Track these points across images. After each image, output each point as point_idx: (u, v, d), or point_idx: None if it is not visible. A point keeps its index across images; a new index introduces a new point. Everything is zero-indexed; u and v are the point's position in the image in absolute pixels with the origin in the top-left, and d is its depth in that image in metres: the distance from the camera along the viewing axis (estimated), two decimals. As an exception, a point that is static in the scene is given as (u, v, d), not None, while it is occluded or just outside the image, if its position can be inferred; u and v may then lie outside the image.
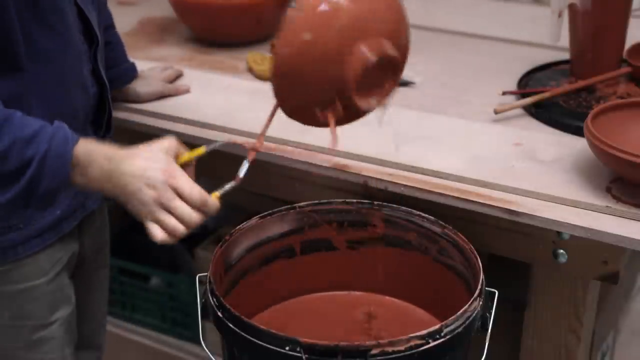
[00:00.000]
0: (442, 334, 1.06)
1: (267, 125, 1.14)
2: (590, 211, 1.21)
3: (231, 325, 1.09)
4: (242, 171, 1.13)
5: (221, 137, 1.38)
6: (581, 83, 1.53)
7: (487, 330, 1.15)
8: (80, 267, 1.35)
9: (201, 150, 1.15)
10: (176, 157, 1.10)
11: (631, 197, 1.22)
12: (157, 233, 1.05)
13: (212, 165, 1.25)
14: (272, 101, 1.09)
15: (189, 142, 1.29)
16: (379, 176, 1.31)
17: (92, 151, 1.06)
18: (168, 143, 1.09)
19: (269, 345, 1.05)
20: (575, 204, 1.22)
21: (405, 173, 1.31)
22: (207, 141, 1.21)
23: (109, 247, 1.47)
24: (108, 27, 1.40)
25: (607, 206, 1.20)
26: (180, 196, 1.05)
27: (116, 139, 1.24)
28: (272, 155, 1.36)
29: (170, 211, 1.04)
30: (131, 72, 1.51)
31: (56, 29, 1.14)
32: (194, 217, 1.05)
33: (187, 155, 1.12)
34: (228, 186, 1.12)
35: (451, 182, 1.29)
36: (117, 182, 1.05)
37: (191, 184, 1.06)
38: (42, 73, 1.13)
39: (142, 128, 1.49)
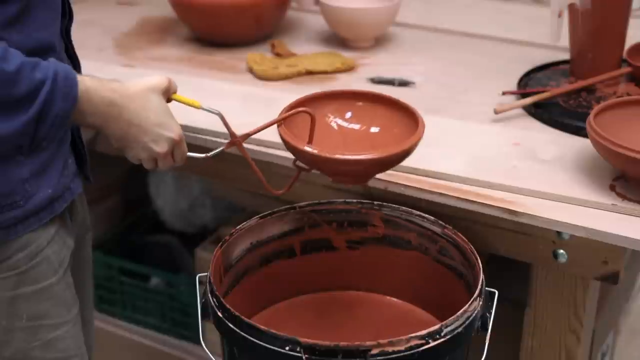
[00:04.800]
0: (442, 334, 1.06)
1: (257, 131, 1.20)
2: (590, 211, 1.21)
3: (231, 325, 1.09)
4: (213, 152, 1.21)
5: (216, 141, 1.38)
6: (581, 83, 1.53)
7: (487, 330, 1.15)
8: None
9: (196, 103, 1.19)
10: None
11: (635, 194, 1.21)
12: (132, 160, 1.19)
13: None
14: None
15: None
16: (379, 176, 1.30)
17: (93, 80, 1.10)
18: (166, 84, 1.16)
19: (269, 345, 1.05)
20: (576, 204, 1.22)
21: (405, 173, 1.31)
22: (202, 147, 1.22)
23: (91, 243, 1.46)
24: None
25: (612, 204, 1.20)
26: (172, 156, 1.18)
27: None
28: (273, 155, 1.36)
29: (155, 162, 1.18)
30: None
31: None
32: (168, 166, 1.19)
33: (181, 97, 1.19)
34: (198, 156, 1.21)
35: (451, 182, 1.29)
36: (123, 125, 1.13)
37: (185, 152, 1.19)
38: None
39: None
